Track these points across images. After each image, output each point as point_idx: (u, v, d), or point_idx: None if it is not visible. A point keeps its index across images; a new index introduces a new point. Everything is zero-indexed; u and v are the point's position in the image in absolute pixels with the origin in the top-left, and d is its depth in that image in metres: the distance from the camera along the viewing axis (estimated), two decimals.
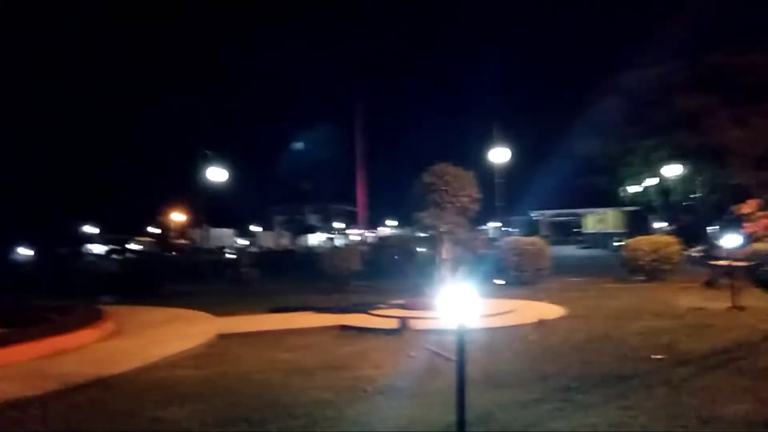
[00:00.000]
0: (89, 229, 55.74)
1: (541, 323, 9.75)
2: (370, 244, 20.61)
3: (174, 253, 41.82)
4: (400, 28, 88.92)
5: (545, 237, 22.88)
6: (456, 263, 12.20)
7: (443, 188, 12.23)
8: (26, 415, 5.74)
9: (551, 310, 11.24)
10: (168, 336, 9.67)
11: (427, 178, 12.46)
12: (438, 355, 7.67)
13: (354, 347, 8.57)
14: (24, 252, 31.90)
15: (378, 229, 64.47)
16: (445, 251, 12.14)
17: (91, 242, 50.66)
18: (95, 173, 48.94)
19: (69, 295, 16.53)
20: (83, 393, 6.45)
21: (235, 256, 26.54)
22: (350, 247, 23.22)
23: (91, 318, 10.01)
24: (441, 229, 12.04)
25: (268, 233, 76.46)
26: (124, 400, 6.20)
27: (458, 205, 12.27)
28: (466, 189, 12.44)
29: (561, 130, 37.65)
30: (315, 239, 74.93)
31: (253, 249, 51.91)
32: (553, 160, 40.39)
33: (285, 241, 74.68)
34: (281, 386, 6.54)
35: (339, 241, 64.69)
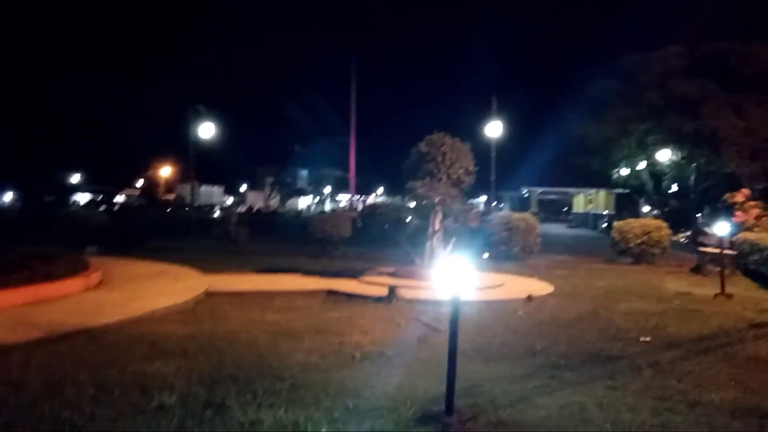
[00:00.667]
0: (76, 178, 55.09)
1: (530, 299, 9.77)
2: (361, 211, 20.45)
3: (166, 208, 41.46)
4: None
5: (535, 214, 22.85)
6: (447, 235, 12.16)
7: (439, 159, 12.10)
8: (8, 361, 5.64)
9: (540, 287, 11.27)
10: (155, 290, 9.58)
11: (423, 147, 12.31)
12: (427, 325, 7.65)
13: (342, 312, 8.53)
14: (9, 199, 31.45)
15: (368, 196, 64.26)
16: (437, 222, 12.08)
17: (78, 191, 50.12)
18: (85, 121, 48.07)
19: (54, 244, 16.33)
20: (67, 342, 6.37)
21: (222, 214, 26.30)
22: (340, 212, 23.07)
23: (77, 268, 9.87)
24: (434, 200, 11.95)
25: (258, 193, 76.05)
26: (108, 351, 6.13)
27: (453, 176, 12.16)
28: (462, 161, 12.31)
29: (556, 107, 37.46)
30: (304, 202, 74.73)
31: (242, 208, 51.66)
32: (546, 138, 40.26)
33: (274, 202, 74.36)
34: (268, 347, 6.49)
35: (328, 206, 64.56)
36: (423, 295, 9.38)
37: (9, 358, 5.73)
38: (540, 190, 57.98)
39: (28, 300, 8.05)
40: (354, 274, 12.07)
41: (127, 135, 52.90)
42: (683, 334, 7.52)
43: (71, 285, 8.99)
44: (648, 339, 7.19)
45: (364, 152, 47.68)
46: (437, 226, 12.03)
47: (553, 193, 59.86)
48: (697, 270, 14.34)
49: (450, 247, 11.88)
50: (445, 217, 12.09)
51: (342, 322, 7.86)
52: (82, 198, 45.79)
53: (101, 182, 54.35)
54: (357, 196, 51.51)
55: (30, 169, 38.30)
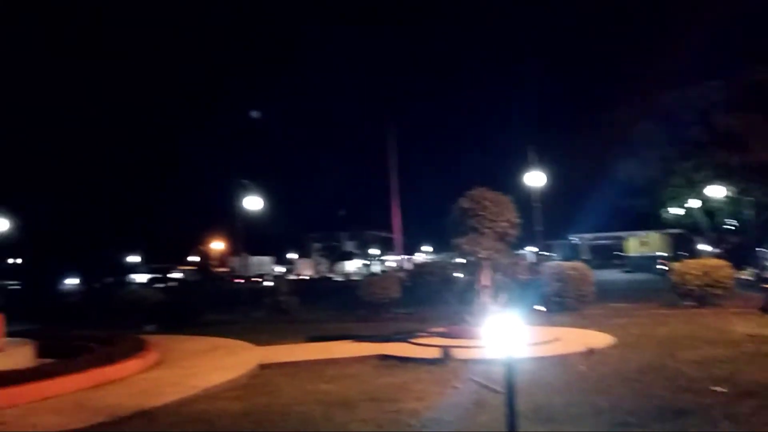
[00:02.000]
0: (133, 258, 57.09)
1: (591, 352, 9.38)
2: (408, 271, 20.42)
3: (219, 281, 42.36)
4: (432, 53, 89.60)
5: (586, 261, 22.29)
6: (497, 290, 11.95)
7: (481, 213, 12.05)
8: None
9: (599, 338, 10.84)
10: (209, 366, 9.65)
11: (464, 203, 12.31)
12: (484, 386, 7.42)
13: (396, 378, 8.38)
14: (71, 282, 32.81)
15: (414, 255, 64.11)
16: (485, 277, 11.91)
17: (135, 272, 51.84)
18: (139, 206, 50.29)
19: (113, 325, 16.80)
20: (127, 425, 6.45)
21: (273, 284, 26.63)
22: (388, 274, 23.06)
23: (135, 348, 10.08)
24: (480, 255, 11.83)
25: (306, 260, 76.93)
26: None
27: (497, 230, 12.06)
28: (505, 214, 12.23)
29: (598, 152, 36.96)
30: (352, 266, 75.04)
31: (291, 276, 52.22)
32: (591, 183, 39.63)
33: (322, 267, 74.99)
34: (323, 420, 6.41)
35: (376, 268, 64.60)
36: (477, 354, 9.15)
37: None
38: (590, 236, 56.73)
39: (89, 384, 8.21)
40: (405, 337, 11.90)
41: (180, 213, 54.91)
42: (760, 381, 7.05)
43: (130, 366, 9.16)
44: (722, 389, 6.76)
45: (408, 211, 48.02)
46: (485, 281, 11.85)
47: (603, 238, 58.45)
48: (766, 309, 13.57)
49: (500, 302, 11.65)
50: (493, 271, 11.92)
51: (396, 388, 7.71)
52: (140, 277, 47.28)
53: (157, 260, 56.20)
54: (404, 256, 51.45)
55: (89, 253, 40.05)
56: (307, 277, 57.97)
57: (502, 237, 12.11)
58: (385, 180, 46.44)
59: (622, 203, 40.42)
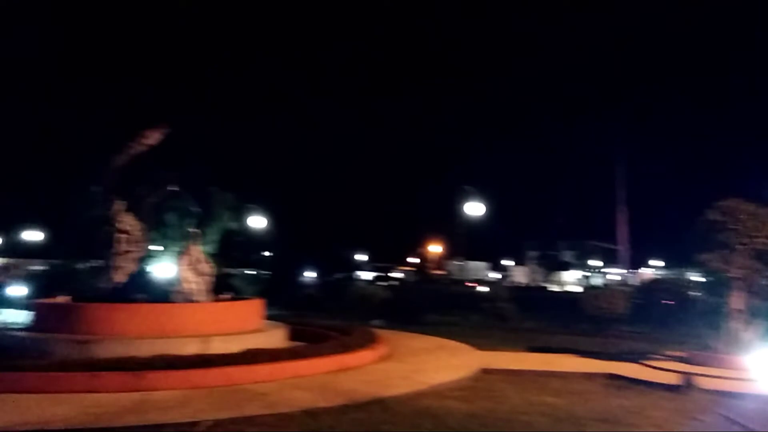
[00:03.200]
0: (360, 257, 61.89)
1: None
2: (636, 286, 18.85)
3: (436, 283, 43.97)
4: (666, 50, 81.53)
5: None
6: (751, 316, 10.48)
7: (734, 227, 10.68)
8: (320, 423, 6.45)
9: None
10: (434, 365, 10.06)
11: (713, 215, 11.02)
12: (736, 424, 6.58)
13: (628, 401, 7.84)
14: (309, 275, 36.79)
15: (641, 269, 58.97)
16: (737, 300, 10.52)
17: (360, 269, 56.14)
18: (367, 209, 54.44)
19: (344, 316, 18.43)
20: (364, 410, 7.02)
21: (487, 290, 26.75)
22: (614, 288, 21.63)
23: (368, 340, 10.93)
24: (731, 275, 10.50)
25: (521, 268, 75.68)
26: (400, 422, 6.58)
27: (754, 247, 10.57)
28: (764, 229, 10.66)
29: None
30: (569, 277, 71.79)
31: (506, 283, 51.78)
32: None
33: (537, 276, 73.08)
34: None
35: (596, 281, 60.92)
36: (726, 386, 8.14)
37: (321, 421, 6.55)
38: None
39: (331, 368, 9.13)
40: (635, 357, 11.04)
41: (403, 216, 58.21)
42: None
43: (364, 356, 9.97)
44: None
45: (636, 221, 44.38)
46: (738, 304, 10.47)
47: None
48: None
49: (756, 330, 10.20)
50: (748, 294, 10.48)
51: (630, 412, 7.21)
52: (365, 275, 51.05)
53: (381, 260, 60.21)
54: (629, 270, 47.65)
55: (324, 249, 44.47)
56: (522, 285, 56.93)
57: (760, 255, 10.59)
58: (609, 187, 43.51)
59: None
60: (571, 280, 69.69)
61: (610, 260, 63.57)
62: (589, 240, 76.09)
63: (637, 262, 61.17)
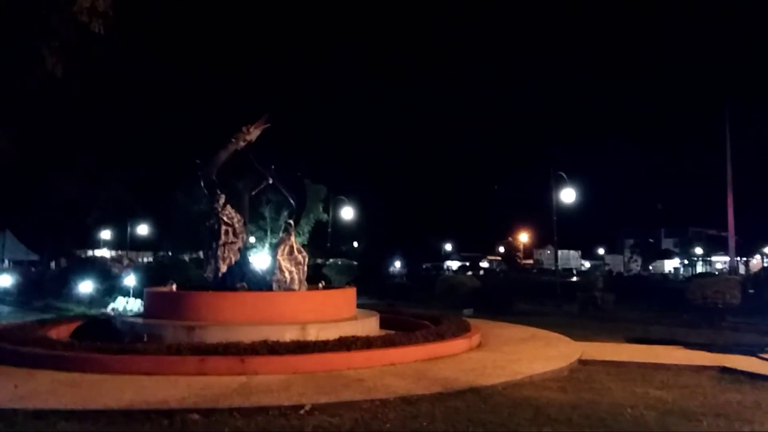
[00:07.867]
0: (447, 246, 61.74)
1: None
2: (753, 275, 17.53)
3: (525, 272, 43.12)
4: None
5: None
6: None
7: None
8: (417, 410, 6.50)
9: None
10: (529, 354, 9.84)
11: None
12: None
13: (745, 395, 7.32)
14: (397, 265, 37.20)
15: (753, 257, 54.82)
16: None
17: (448, 259, 56.01)
18: (454, 199, 54.18)
19: (435, 305, 18.44)
20: (461, 399, 7.00)
21: (578, 279, 25.84)
22: (725, 276, 20.25)
23: (461, 329, 10.87)
24: None
25: (616, 256, 72.54)
26: (497, 412, 6.50)
27: None
28: None
29: None
30: (670, 265, 67.99)
31: (601, 272, 49.84)
32: None
33: (635, 265, 69.74)
34: (659, 427, 5.98)
35: (700, 269, 57.30)
36: None
37: (418, 408, 6.60)
38: None
39: (424, 356, 9.16)
40: (751, 350, 10.28)
41: (490, 206, 57.44)
42: None
43: (457, 345, 9.92)
44: None
45: (745, 206, 41.16)
46: None
47: None
48: None
49: None
50: None
51: (747, 407, 6.74)
52: (453, 264, 50.86)
53: (467, 250, 59.75)
54: (738, 258, 44.41)
55: (412, 240, 44.80)
56: (619, 274, 54.55)
57: None
58: (715, 169, 40.51)
59: None
60: (671, 268, 65.97)
61: (715, 248, 59.54)
62: (691, 226, 71.60)
63: (746, 249, 56.91)
